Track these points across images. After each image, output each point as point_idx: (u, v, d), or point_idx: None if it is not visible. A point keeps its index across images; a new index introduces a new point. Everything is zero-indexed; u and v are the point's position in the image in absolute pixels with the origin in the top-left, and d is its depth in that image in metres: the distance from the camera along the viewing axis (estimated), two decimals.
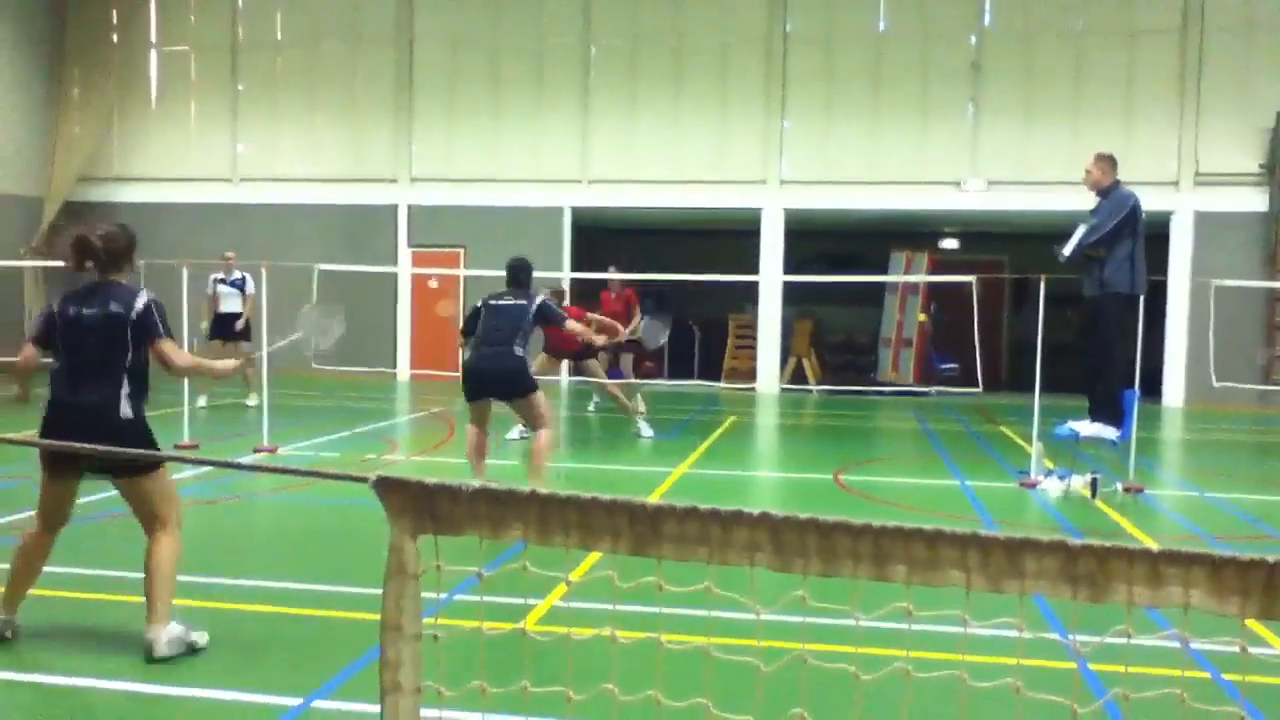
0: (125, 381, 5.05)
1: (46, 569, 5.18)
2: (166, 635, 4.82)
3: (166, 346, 5.11)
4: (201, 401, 13.87)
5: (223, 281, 14.70)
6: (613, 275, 14.10)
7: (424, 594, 2.29)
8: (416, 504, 2.21)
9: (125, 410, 5.03)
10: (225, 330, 14.48)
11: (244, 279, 14.63)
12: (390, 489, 2.23)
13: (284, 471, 2.98)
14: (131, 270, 5.29)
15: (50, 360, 5.16)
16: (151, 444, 5.15)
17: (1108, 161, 9.20)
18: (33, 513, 5.18)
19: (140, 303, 5.07)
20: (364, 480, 2.30)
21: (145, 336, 5.05)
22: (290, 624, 5.52)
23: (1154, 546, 1.90)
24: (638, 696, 2.48)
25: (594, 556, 5.74)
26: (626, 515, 2.07)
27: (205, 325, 14.43)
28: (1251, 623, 1.99)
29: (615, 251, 20.13)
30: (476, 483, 2.17)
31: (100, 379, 5.03)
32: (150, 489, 5.05)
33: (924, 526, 1.96)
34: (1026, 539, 1.93)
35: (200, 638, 4.99)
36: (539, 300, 8.38)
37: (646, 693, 2.42)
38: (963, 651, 2.96)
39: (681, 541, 2.06)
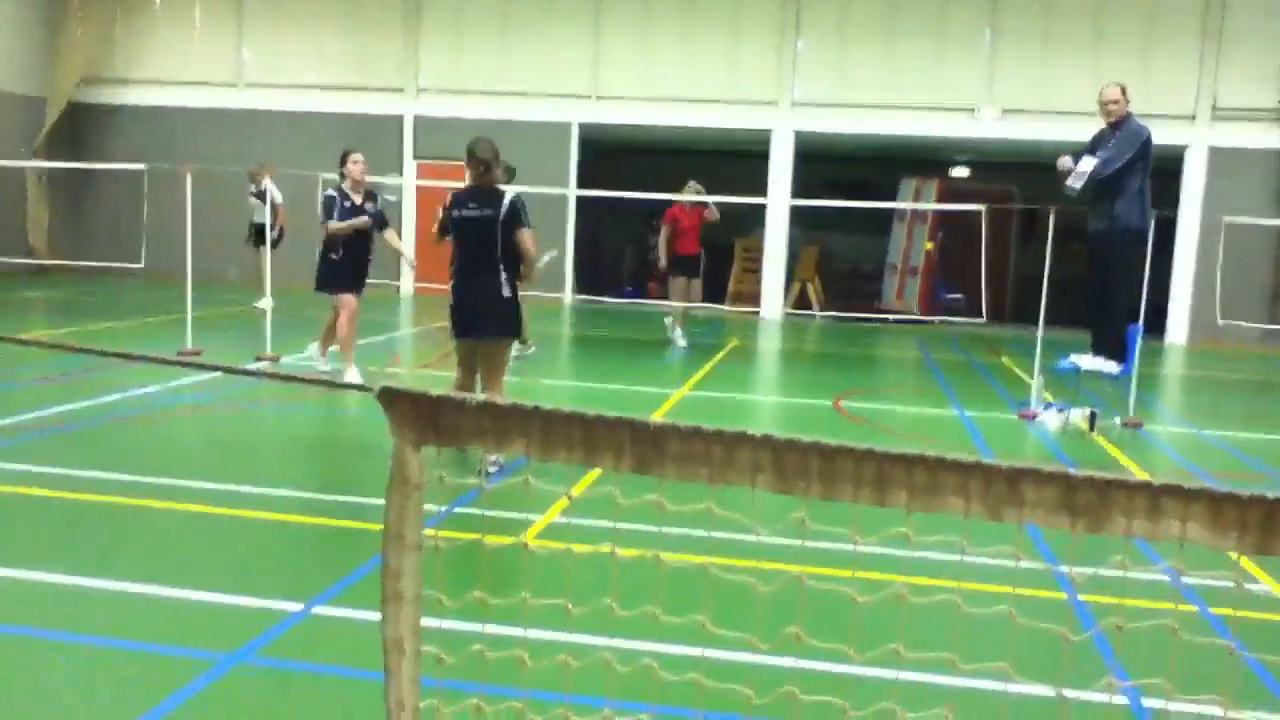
0: (502, 268, 6.41)
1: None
2: (493, 456, 6.23)
3: (522, 234, 6.43)
4: (263, 304, 13.55)
5: (251, 194, 15.42)
6: (687, 196, 13.32)
7: (426, 505, 2.30)
8: (420, 415, 2.21)
9: (505, 291, 6.44)
10: (259, 238, 14.99)
11: (264, 190, 14.67)
12: (394, 400, 2.23)
13: (289, 379, 2.97)
14: (499, 177, 6.56)
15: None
16: (521, 319, 6.72)
17: (1124, 93, 9.08)
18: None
19: (506, 202, 6.39)
20: (368, 390, 2.30)
21: (511, 227, 6.38)
22: (292, 532, 5.58)
23: (1153, 480, 1.90)
24: (636, 612, 2.51)
25: (594, 473, 5.79)
26: (629, 433, 2.07)
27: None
28: (1244, 561, 2.01)
29: (623, 169, 19.94)
30: (481, 395, 2.17)
31: (483, 266, 6.41)
32: (507, 352, 6.77)
33: (926, 453, 1.96)
34: (1027, 468, 1.94)
35: (501, 457, 6.23)
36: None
37: (645, 609, 2.45)
38: (959, 578, 2.99)
39: (684, 461, 2.06)
